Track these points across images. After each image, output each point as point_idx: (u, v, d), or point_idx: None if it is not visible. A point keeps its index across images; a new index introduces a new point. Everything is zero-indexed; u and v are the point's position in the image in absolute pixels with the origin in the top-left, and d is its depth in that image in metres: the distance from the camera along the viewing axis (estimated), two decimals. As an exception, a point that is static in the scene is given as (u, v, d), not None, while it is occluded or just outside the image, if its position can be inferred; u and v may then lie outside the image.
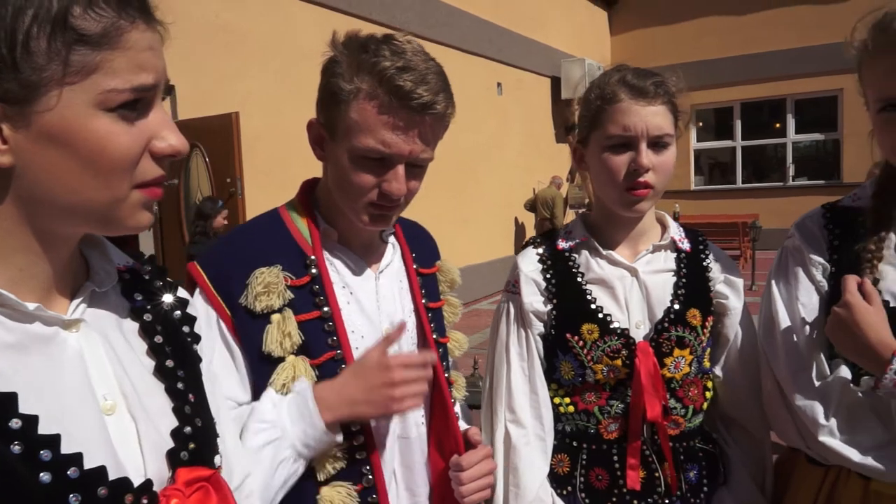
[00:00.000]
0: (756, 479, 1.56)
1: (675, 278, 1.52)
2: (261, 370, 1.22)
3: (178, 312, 0.96)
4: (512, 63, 11.65)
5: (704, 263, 1.57)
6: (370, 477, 1.25)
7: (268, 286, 1.21)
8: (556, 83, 13.27)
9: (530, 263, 1.56)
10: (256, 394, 1.24)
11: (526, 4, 12.17)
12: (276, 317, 1.21)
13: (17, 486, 0.65)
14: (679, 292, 1.50)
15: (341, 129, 1.21)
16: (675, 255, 1.56)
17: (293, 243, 1.28)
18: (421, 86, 1.16)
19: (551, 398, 1.53)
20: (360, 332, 1.29)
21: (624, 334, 1.45)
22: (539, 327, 1.53)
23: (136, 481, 0.77)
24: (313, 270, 1.25)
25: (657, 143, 1.43)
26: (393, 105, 1.16)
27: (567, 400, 1.52)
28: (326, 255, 1.30)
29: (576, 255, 1.55)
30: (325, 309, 1.24)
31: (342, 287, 1.29)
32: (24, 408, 0.68)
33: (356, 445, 1.24)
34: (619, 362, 1.44)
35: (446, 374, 1.42)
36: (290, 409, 1.18)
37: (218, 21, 6.58)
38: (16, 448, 0.66)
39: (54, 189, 0.73)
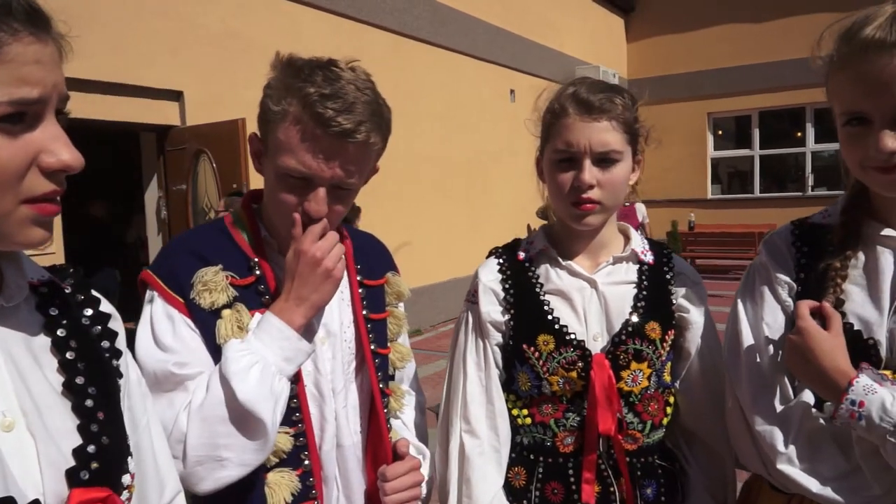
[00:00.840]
0: (717, 498, 1.52)
1: (635, 290, 1.49)
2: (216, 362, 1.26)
3: (97, 327, 0.94)
4: (525, 70, 11.62)
5: (667, 276, 1.53)
6: (307, 462, 1.30)
7: (207, 283, 1.25)
8: (570, 90, 13.21)
9: (490, 273, 1.55)
10: None
11: (540, 11, 12.16)
12: (226, 312, 1.25)
13: None
14: (639, 304, 1.47)
15: (271, 147, 1.25)
16: (636, 267, 1.53)
17: (236, 248, 1.33)
18: (343, 114, 1.18)
19: (509, 409, 1.51)
20: None
21: (580, 346, 1.42)
22: (497, 337, 1.51)
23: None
24: (257, 272, 1.30)
25: (604, 160, 1.42)
26: (315, 131, 1.19)
27: (525, 412, 1.49)
28: (269, 260, 1.34)
29: (535, 266, 1.53)
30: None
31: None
32: None
33: (298, 445, 1.29)
34: (574, 374, 1.42)
35: (381, 386, 1.44)
36: (259, 336, 1.22)
37: (225, 28, 6.63)
38: None
39: None
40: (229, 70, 6.56)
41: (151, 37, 5.94)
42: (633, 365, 1.43)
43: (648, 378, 1.46)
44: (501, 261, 1.56)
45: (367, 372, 1.42)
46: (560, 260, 1.51)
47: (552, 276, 1.50)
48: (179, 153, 6.47)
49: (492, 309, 1.51)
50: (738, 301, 1.41)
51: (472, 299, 1.55)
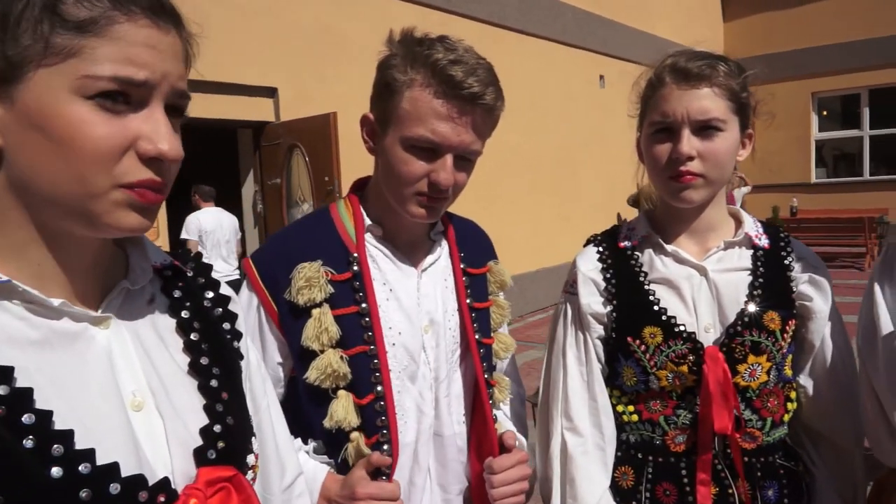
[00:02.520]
0: (846, 500, 1.40)
1: (750, 278, 1.39)
2: (302, 363, 1.28)
3: (218, 309, 0.96)
4: (615, 55, 11.30)
5: (786, 262, 1.42)
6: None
7: (309, 280, 1.26)
8: (663, 74, 12.76)
9: (589, 262, 1.48)
10: (297, 386, 1.30)
11: (631, -7, 11.80)
12: (315, 311, 1.26)
13: (28, 479, 0.66)
14: (755, 293, 1.37)
15: (393, 120, 1.25)
16: (750, 252, 1.42)
17: (338, 239, 1.33)
18: (471, 76, 1.19)
19: (613, 406, 1.44)
20: (398, 329, 1.32)
21: (690, 338, 1.34)
22: (598, 330, 1.44)
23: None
24: (355, 267, 1.29)
25: (704, 128, 1.32)
26: (445, 94, 1.19)
27: (630, 408, 1.42)
28: (370, 251, 1.34)
29: (639, 254, 1.45)
30: (364, 305, 1.28)
31: (382, 284, 1.32)
32: (41, 403, 0.68)
33: (381, 441, 1.27)
34: (685, 369, 1.33)
35: (486, 376, 1.40)
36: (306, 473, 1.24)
37: (318, 24, 6.75)
38: (28, 443, 0.66)
39: (36, 176, 0.72)
40: (321, 65, 6.68)
41: (249, 35, 6.12)
42: (751, 358, 1.33)
43: (768, 372, 1.35)
44: (601, 248, 1.49)
45: (471, 361, 1.39)
46: (665, 246, 1.42)
47: (657, 264, 1.42)
48: (274, 148, 6.65)
49: (592, 300, 1.44)
50: (876, 285, 1.30)
51: (571, 290, 1.48)
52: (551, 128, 9.90)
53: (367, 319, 1.28)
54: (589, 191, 10.68)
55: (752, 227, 1.44)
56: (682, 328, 1.35)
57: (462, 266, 1.42)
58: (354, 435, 1.26)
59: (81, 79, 0.69)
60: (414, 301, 1.34)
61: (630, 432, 1.43)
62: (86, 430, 0.71)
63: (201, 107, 5.83)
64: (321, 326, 1.25)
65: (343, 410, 1.25)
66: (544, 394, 1.50)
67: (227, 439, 0.84)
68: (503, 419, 1.50)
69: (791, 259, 1.42)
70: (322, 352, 1.25)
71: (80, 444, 0.69)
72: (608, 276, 1.44)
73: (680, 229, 1.43)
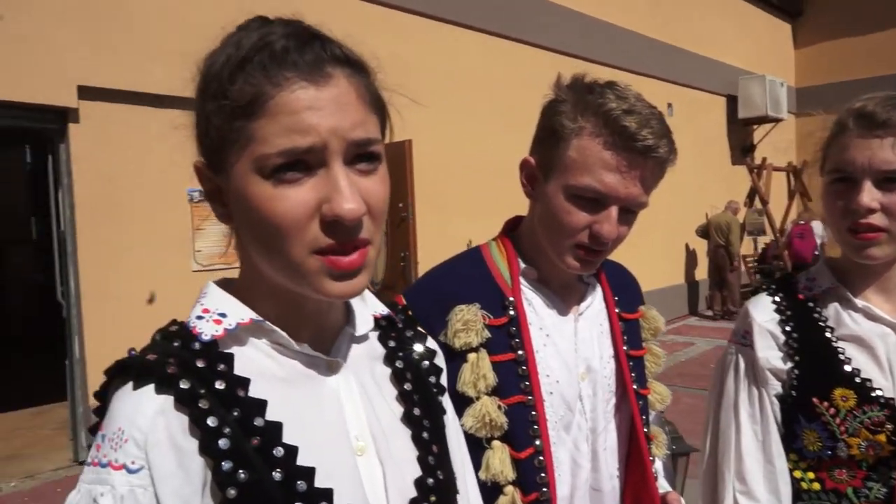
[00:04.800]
0: None
1: None
2: (454, 408, 1.19)
3: (426, 363, 0.96)
4: (683, 82, 11.13)
5: None
6: None
7: (466, 323, 1.20)
8: (732, 102, 12.51)
9: (766, 313, 1.37)
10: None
11: (699, 21, 11.62)
12: (471, 356, 1.20)
13: None
14: None
15: (558, 168, 1.20)
16: None
17: (493, 283, 1.27)
18: (645, 128, 1.14)
19: (790, 470, 1.32)
20: (555, 377, 1.25)
21: (889, 404, 1.21)
22: (776, 387, 1.33)
23: None
24: (511, 312, 1.24)
25: (888, 180, 1.21)
26: (616, 145, 1.14)
27: (811, 475, 1.30)
28: (525, 295, 1.28)
29: (821, 307, 1.34)
30: (520, 352, 1.22)
31: (539, 329, 1.26)
32: (287, 438, 0.72)
33: (541, 500, 1.19)
34: (882, 438, 1.21)
35: (645, 430, 1.31)
36: None
37: (388, 52, 6.80)
38: (277, 475, 0.69)
39: (257, 248, 0.75)
40: (393, 93, 6.72)
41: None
42: (957, 429, 1.20)
43: (976, 444, 1.22)
44: (777, 299, 1.38)
45: (627, 412, 1.31)
46: (854, 300, 1.30)
47: (845, 320, 1.30)
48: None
49: (771, 354, 1.33)
50: None
51: (744, 341, 1.38)
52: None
53: (525, 368, 1.21)
54: (656, 219, 10.45)
55: None
56: (879, 392, 1.23)
57: (617, 311, 1.35)
58: (509, 489, 1.18)
59: (257, 160, 0.70)
60: (571, 347, 1.28)
61: (808, 502, 1.30)
62: (323, 469, 0.73)
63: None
64: (479, 372, 1.19)
65: (500, 463, 1.17)
66: (712, 452, 1.40)
67: (438, 493, 0.85)
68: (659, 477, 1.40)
69: None
70: (478, 398, 1.19)
71: (318, 482, 0.72)
72: (788, 329, 1.33)
73: (868, 282, 1.31)
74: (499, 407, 1.18)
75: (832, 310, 1.33)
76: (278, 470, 0.69)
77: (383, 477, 0.80)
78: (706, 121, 12.03)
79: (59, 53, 4.77)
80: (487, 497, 1.19)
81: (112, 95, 5.05)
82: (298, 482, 0.70)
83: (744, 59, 12.72)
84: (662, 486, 1.39)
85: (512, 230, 1.37)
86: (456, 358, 1.20)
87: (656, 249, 10.59)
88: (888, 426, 1.20)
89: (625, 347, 1.33)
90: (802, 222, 10.82)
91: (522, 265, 1.29)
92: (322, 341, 0.82)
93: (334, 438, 0.78)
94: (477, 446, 1.19)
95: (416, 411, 0.88)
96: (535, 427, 1.20)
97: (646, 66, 10.30)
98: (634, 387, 1.31)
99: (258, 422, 0.71)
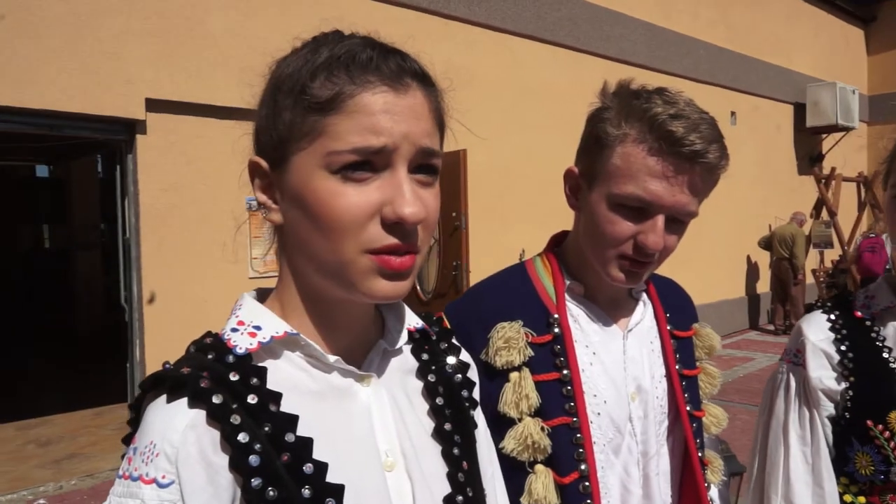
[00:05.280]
0: None
1: None
2: (495, 429, 1.16)
3: (458, 376, 0.95)
4: (748, 90, 10.84)
5: None
6: None
7: (508, 341, 1.17)
8: (799, 110, 12.11)
9: (820, 332, 1.31)
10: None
11: (766, 28, 11.31)
12: (514, 375, 1.16)
13: None
14: None
15: (602, 176, 1.16)
16: None
17: (537, 299, 1.23)
18: (693, 133, 1.08)
19: (840, 494, 1.26)
20: (603, 397, 1.20)
21: None
22: (829, 408, 1.28)
23: None
24: (556, 329, 1.19)
25: None
26: (662, 151, 1.09)
27: (862, 499, 1.24)
28: (571, 310, 1.23)
29: (880, 326, 1.28)
30: (565, 372, 1.17)
31: (585, 346, 1.21)
32: (317, 454, 0.72)
33: None
34: None
35: (700, 454, 1.25)
36: None
37: (450, 64, 6.84)
38: (306, 492, 0.69)
39: (305, 248, 0.76)
40: (454, 103, 6.75)
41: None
42: None
43: None
44: (833, 317, 1.32)
45: (681, 435, 1.25)
46: None
47: None
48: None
49: (824, 374, 1.28)
50: None
51: (796, 360, 1.32)
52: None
53: (570, 388, 1.17)
54: (714, 231, 10.20)
55: None
56: None
57: (668, 328, 1.29)
58: None
59: (328, 156, 0.71)
60: (620, 365, 1.23)
61: (861, 529, 1.24)
62: (352, 486, 0.73)
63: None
64: (521, 392, 1.15)
65: (543, 489, 1.13)
66: (759, 473, 1.35)
67: None
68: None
69: None
70: (520, 420, 1.15)
71: (347, 500, 0.72)
72: (843, 348, 1.28)
73: None
74: (542, 429, 1.14)
75: (891, 329, 1.27)
76: (307, 487, 0.69)
77: (412, 493, 0.80)
78: (771, 129, 11.68)
79: (129, 68, 4.97)
80: None
81: (177, 107, 5.23)
82: (328, 500, 0.70)
83: (813, 67, 12.31)
84: None
85: (557, 245, 1.34)
86: (497, 377, 1.17)
87: (716, 261, 10.32)
88: None
89: (677, 366, 1.27)
90: (873, 235, 10.36)
91: (568, 281, 1.25)
92: (355, 355, 0.83)
93: (364, 454, 0.77)
94: (520, 470, 1.15)
95: (448, 426, 0.87)
96: (581, 450, 1.15)
97: (710, 75, 10.09)
98: (688, 408, 1.25)
99: (289, 437, 0.71)
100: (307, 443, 0.71)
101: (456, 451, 0.86)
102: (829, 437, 1.28)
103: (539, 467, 1.14)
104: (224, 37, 5.37)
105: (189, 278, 5.27)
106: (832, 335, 1.30)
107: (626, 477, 1.21)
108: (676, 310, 1.34)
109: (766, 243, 10.78)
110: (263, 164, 0.77)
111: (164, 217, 5.21)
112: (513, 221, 7.35)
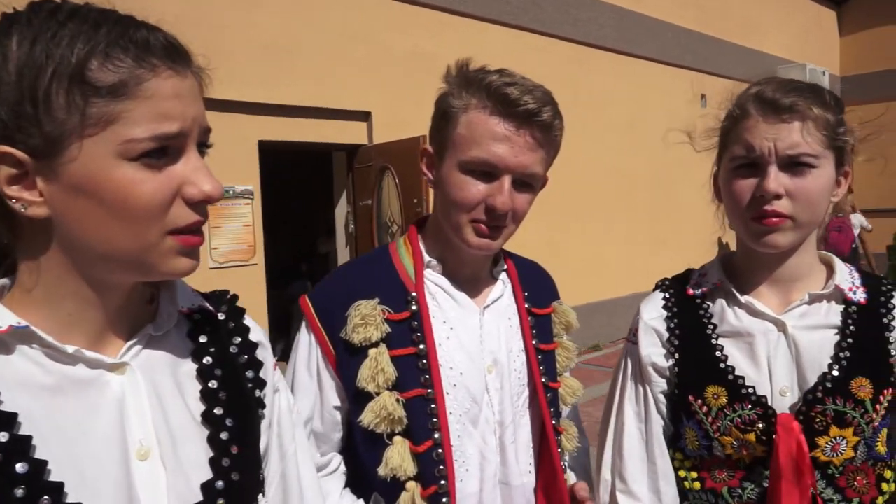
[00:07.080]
0: None
1: (837, 337, 1.23)
2: (356, 406, 1.25)
3: (244, 356, 0.94)
4: (718, 73, 10.84)
5: (884, 320, 1.25)
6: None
7: (365, 318, 1.23)
8: (771, 92, 12.12)
9: (654, 310, 1.37)
10: (353, 431, 1.28)
11: (737, 10, 11.30)
12: (372, 351, 1.23)
13: None
14: (841, 355, 1.21)
15: (450, 147, 1.24)
16: (841, 307, 1.26)
17: (396, 278, 1.30)
18: (526, 95, 1.18)
19: (675, 469, 1.31)
20: (459, 369, 1.27)
21: (760, 402, 1.20)
22: (661, 384, 1.33)
23: None
24: (413, 307, 1.26)
25: (794, 164, 1.18)
26: (500, 112, 1.18)
27: (693, 474, 1.29)
28: (429, 288, 1.30)
29: (709, 303, 1.33)
30: (422, 346, 1.24)
31: (442, 322, 1.28)
32: (42, 451, 0.70)
33: (439, 493, 1.21)
34: (752, 437, 1.20)
35: (553, 422, 1.33)
36: None
37: (414, 49, 6.84)
38: (19, 492, 0.67)
39: (89, 238, 0.75)
40: (415, 89, 6.75)
41: (347, 62, 6.27)
42: (834, 430, 1.18)
43: (854, 447, 1.20)
44: (667, 295, 1.38)
45: (538, 406, 1.32)
46: (738, 296, 1.29)
47: (728, 316, 1.29)
48: (366, 170, 6.76)
49: (653, 351, 1.33)
50: None
51: (633, 339, 1.38)
52: (649, 148, 9.60)
53: (425, 361, 1.24)
54: (689, 214, 10.22)
55: (845, 278, 1.28)
56: (750, 390, 1.22)
57: (526, 306, 1.36)
58: (410, 485, 1.21)
59: (124, 143, 0.72)
60: (476, 340, 1.30)
61: (692, 502, 1.30)
62: (82, 480, 0.72)
63: (298, 130, 6.02)
64: (377, 367, 1.22)
65: (398, 458, 1.20)
66: (598, 447, 1.40)
67: (228, 496, 0.82)
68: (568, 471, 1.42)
69: (892, 318, 1.25)
70: (378, 394, 1.22)
71: (73, 495, 0.70)
72: (672, 325, 1.33)
73: (760, 278, 1.29)
74: (397, 401, 1.21)
75: (718, 306, 1.32)
76: (21, 486, 0.67)
77: (166, 482, 0.79)
78: (743, 112, 11.71)
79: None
80: (394, 494, 1.22)
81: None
82: (44, 498, 0.68)
83: (786, 49, 12.32)
84: (572, 478, 1.40)
85: (420, 227, 1.39)
86: (358, 354, 1.23)
87: (688, 244, 10.34)
88: (759, 425, 1.19)
89: (534, 341, 1.34)
90: (840, 215, 10.47)
91: (428, 258, 1.31)
92: (115, 343, 0.82)
93: (106, 446, 0.75)
94: (380, 442, 1.22)
95: (219, 410, 0.85)
96: (435, 420, 1.21)
97: (679, 57, 10.08)
98: (543, 380, 1.33)
99: (2, 437, 0.67)
100: (22, 441, 0.69)
101: (224, 435, 0.84)
102: (663, 412, 1.33)
103: (397, 438, 1.21)
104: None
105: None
106: (664, 313, 1.35)
107: (483, 446, 1.28)
108: (535, 289, 1.41)
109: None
110: (17, 153, 0.70)
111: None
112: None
